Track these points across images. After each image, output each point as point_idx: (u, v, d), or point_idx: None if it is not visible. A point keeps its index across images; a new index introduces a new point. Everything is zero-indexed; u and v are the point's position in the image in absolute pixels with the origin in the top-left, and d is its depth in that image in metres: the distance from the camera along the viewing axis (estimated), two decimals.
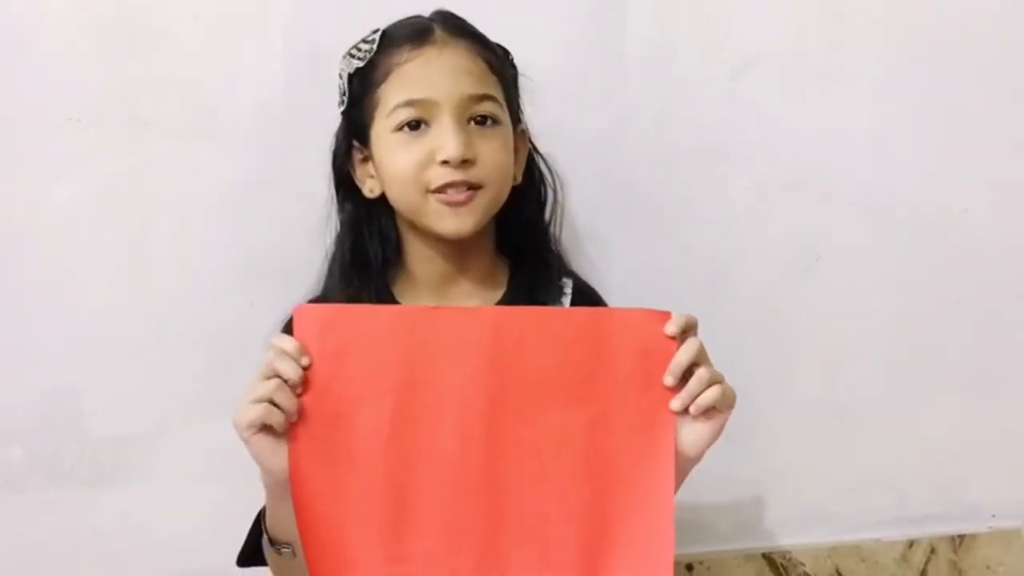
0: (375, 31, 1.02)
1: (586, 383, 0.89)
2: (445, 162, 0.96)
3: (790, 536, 1.43)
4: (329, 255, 1.09)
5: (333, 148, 1.08)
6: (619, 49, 1.31)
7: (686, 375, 0.88)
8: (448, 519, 0.88)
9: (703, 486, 1.32)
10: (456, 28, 1.02)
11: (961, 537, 1.44)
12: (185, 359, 1.26)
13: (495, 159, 0.99)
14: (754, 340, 1.37)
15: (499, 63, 1.04)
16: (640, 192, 1.34)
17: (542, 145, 1.14)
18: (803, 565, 1.41)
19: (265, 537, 0.97)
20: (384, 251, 1.06)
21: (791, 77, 1.35)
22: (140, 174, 1.23)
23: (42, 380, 1.23)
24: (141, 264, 1.24)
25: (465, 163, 0.97)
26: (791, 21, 1.34)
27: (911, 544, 1.43)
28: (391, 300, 1.04)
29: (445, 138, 0.96)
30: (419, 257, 1.05)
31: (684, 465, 0.92)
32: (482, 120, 0.99)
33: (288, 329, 0.92)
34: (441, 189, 0.98)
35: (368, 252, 1.06)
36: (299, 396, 0.86)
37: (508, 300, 1.05)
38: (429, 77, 0.98)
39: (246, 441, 0.86)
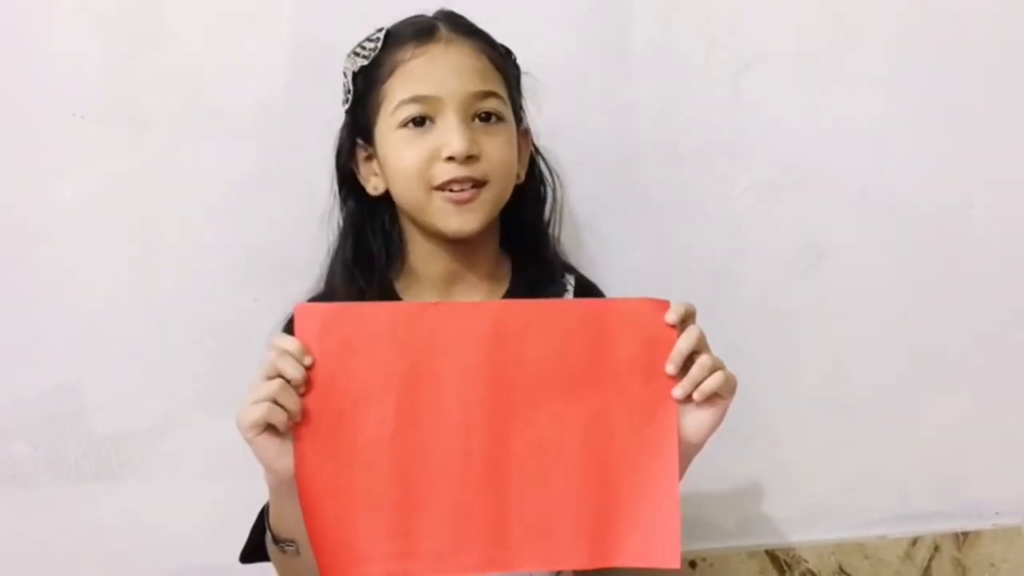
0: (380, 29, 1.02)
1: (588, 374, 0.89)
2: (450, 158, 0.97)
3: (794, 533, 1.43)
4: (332, 252, 1.09)
5: (337, 145, 1.08)
6: (622, 48, 1.31)
7: (687, 363, 0.89)
8: (454, 513, 0.88)
9: (707, 483, 1.35)
10: (460, 26, 1.03)
11: (965, 534, 1.44)
12: (188, 356, 1.26)
13: (500, 155, 1.00)
14: (757, 338, 1.37)
15: (503, 61, 1.04)
16: (642, 190, 1.34)
17: (544, 143, 1.14)
18: (806, 562, 1.41)
19: (269, 534, 0.97)
20: (387, 249, 1.06)
21: (794, 76, 1.35)
22: (143, 171, 1.23)
23: (46, 376, 1.23)
24: (144, 261, 1.24)
25: (470, 159, 0.97)
26: (794, 20, 1.34)
27: (915, 541, 1.43)
28: (394, 298, 1.04)
29: (450, 134, 0.97)
30: (422, 255, 1.05)
31: (687, 452, 0.92)
32: (486, 117, 1.00)
33: (289, 328, 0.92)
34: (445, 186, 0.98)
35: (371, 250, 1.06)
36: (302, 395, 0.86)
37: (510, 297, 1.05)
38: (434, 74, 0.99)
39: (250, 442, 0.86)
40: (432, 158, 0.97)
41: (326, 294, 1.06)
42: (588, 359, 0.89)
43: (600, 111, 1.31)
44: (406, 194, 1.01)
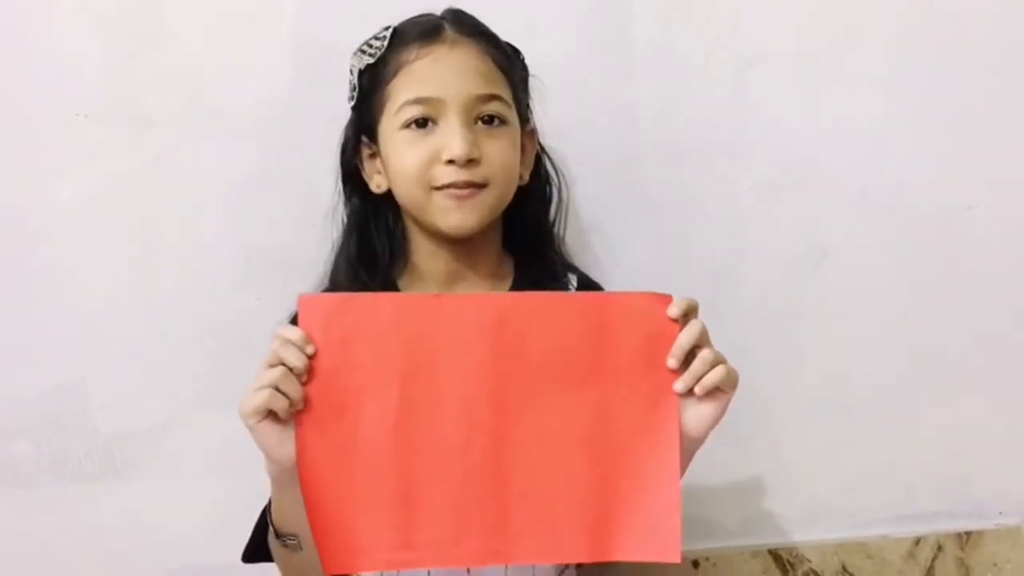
0: (386, 28, 1.03)
1: (590, 367, 0.89)
2: (451, 161, 0.97)
3: (797, 533, 1.43)
4: (336, 249, 1.10)
5: (341, 143, 1.09)
6: (623, 48, 1.30)
7: (689, 357, 0.89)
8: (455, 505, 0.89)
9: (710, 482, 1.35)
10: (467, 27, 1.03)
11: (968, 534, 1.43)
12: (189, 355, 1.26)
13: (501, 158, 1.00)
14: (759, 337, 1.37)
15: (508, 63, 1.04)
16: (645, 190, 1.34)
17: (547, 143, 1.14)
18: (809, 562, 1.41)
19: (271, 530, 0.97)
20: (391, 246, 1.07)
21: (794, 76, 1.35)
22: (143, 171, 1.23)
23: (49, 376, 1.24)
24: (147, 260, 1.24)
25: (470, 162, 0.97)
26: (794, 20, 1.34)
27: (918, 541, 1.42)
28: None
29: (451, 137, 0.97)
30: (425, 253, 1.06)
31: (689, 447, 0.92)
32: (489, 120, 1.00)
33: (295, 321, 0.92)
34: (445, 187, 0.98)
35: (375, 247, 1.07)
36: (304, 385, 0.86)
37: None
38: (438, 76, 0.99)
39: (251, 429, 0.87)
40: (433, 160, 0.98)
41: (330, 290, 1.06)
42: (590, 352, 0.89)
43: (600, 111, 1.31)
44: (407, 194, 1.01)
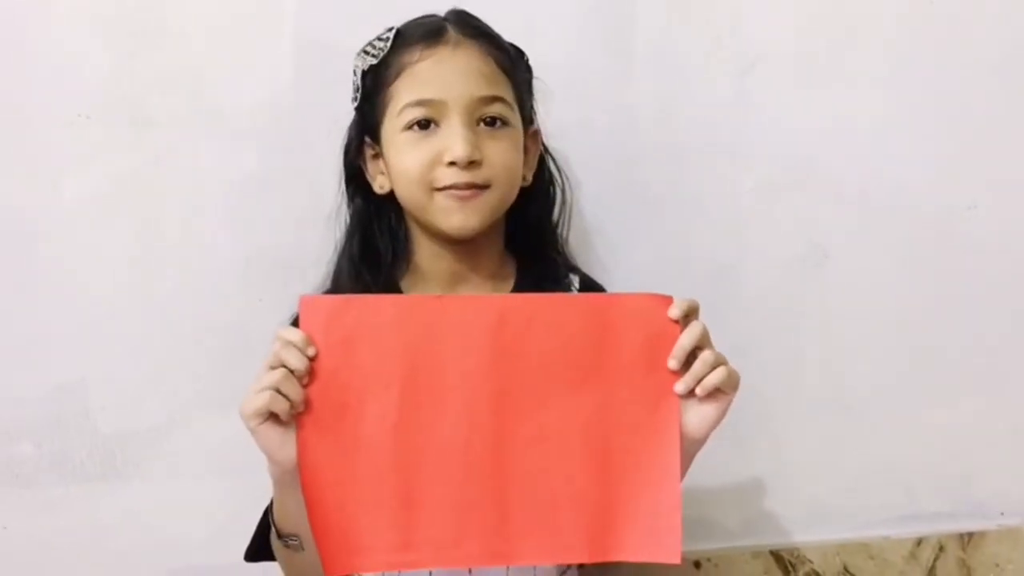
0: (389, 29, 1.03)
1: (591, 368, 0.90)
2: (452, 163, 0.97)
3: (798, 533, 1.43)
4: (338, 249, 1.10)
5: (345, 143, 1.09)
6: (624, 47, 1.31)
7: (690, 358, 0.89)
8: (456, 506, 0.89)
9: (711, 483, 1.35)
10: (470, 28, 1.03)
11: (970, 535, 1.44)
12: (192, 355, 1.26)
13: (503, 160, 1.00)
14: (760, 338, 1.37)
15: (511, 64, 1.05)
16: (645, 190, 1.34)
17: (547, 143, 1.15)
18: (811, 562, 1.41)
19: (273, 530, 0.98)
20: (394, 247, 1.07)
21: (795, 76, 1.35)
22: (145, 171, 1.23)
23: (50, 376, 1.24)
24: (148, 261, 1.24)
25: (472, 164, 0.98)
26: (794, 20, 1.34)
27: (919, 542, 1.43)
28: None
29: (453, 139, 0.97)
30: (428, 254, 1.06)
31: (690, 448, 0.92)
32: (491, 121, 1.00)
33: (297, 322, 0.92)
34: (447, 188, 0.99)
35: (378, 247, 1.07)
36: (306, 386, 0.87)
37: None
38: (440, 77, 0.99)
39: (252, 431, 0.87)
40: (435, 162, 0.98)
41: (332, 291, 1.07)
42: (591, 353, 0.89)
43: (601, 111, 1.31)
44: (409, 195, 1.01)
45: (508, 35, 1.07)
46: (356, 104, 1.06)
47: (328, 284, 1.09)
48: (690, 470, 0.95)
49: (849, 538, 1.42)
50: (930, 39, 1.37)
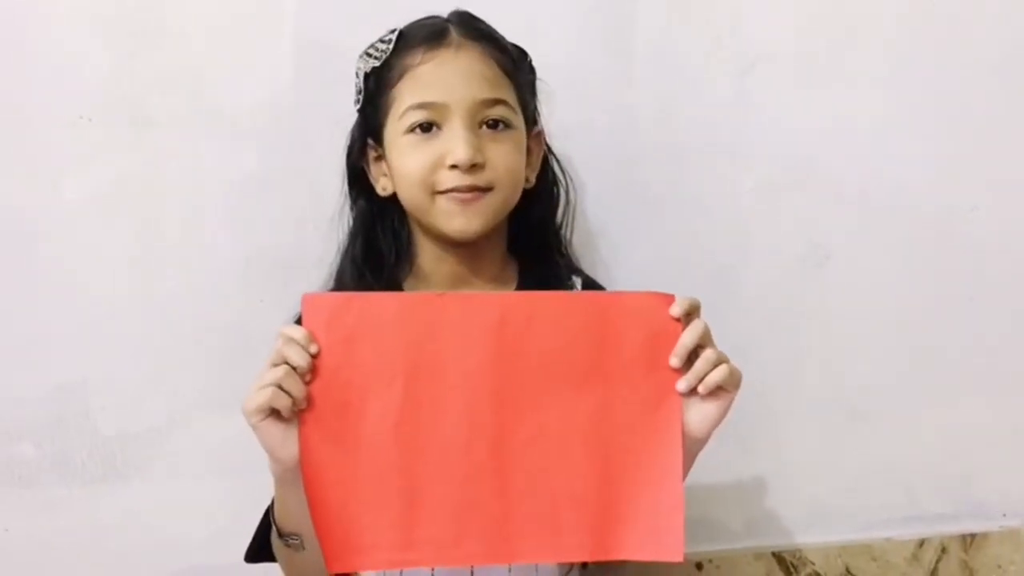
0: (392, 31, 1.04)
1: (592, 366, 0.90)
2: (454, 166, 0.98)
3: (800, 535, 1.43)
4: (341, 250, 1.10)
5: (348, 144, 1.10)
6: (625, 48, 1.31)
7: (692, 356, 0.89)
8: (457, 504, 0.89)
9: (713, 484, 1.35)
10: (473, 31, 1.03)
11: (972, 536, 1.44)
12: (193, 355, 1.26)
13: (505, 163, 1.00)
14: (763, 338, 1.38)
15: (514, 66, 1.05)
16: (646, 190, 1.35)
17: (551, 144, 1.15)
18: (813, 564, 1.42)
19: (274, 529, 0.98)
20: (396, 248, 1.07)
21: (795, 76, 1.36)
22: (147, 171, 1.24)
23: (51, 377, 1.24)
24: (149, 261, 1.25)
25: (474, 167, 0.98)
26: (794, 20, 1.35)
27: (922, 543, 1.43)
28: None
29: (455, 142, 0.98)
30: (430, 256, 1.07)
31: (692, 447, 0.93)
32: (494, 124, 1.01)
33: (300, 320, 0.93)
34: (449, 191, 0.99)
35: (381, 249, 1.07)
36: (308, 384, 0.87)
37: None
38: (442, 80, 1.00)
39: (254, 427, 0.87)
40: (437, 165, 0.99)
41: (335, 291, 1.07)
42: (593, 352, 0.90)
43: (601, 111, 1.32)
44: (411, 198, 1.02)
45: (508, 35, 1.07)
46: (359, 106, 1.07)
47: (331, 285, 1.09)
48: (692, 470, 0.96)
49: (851, 539, 1.43)
50: (930, 39, 1.37)
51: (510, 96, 1.02)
